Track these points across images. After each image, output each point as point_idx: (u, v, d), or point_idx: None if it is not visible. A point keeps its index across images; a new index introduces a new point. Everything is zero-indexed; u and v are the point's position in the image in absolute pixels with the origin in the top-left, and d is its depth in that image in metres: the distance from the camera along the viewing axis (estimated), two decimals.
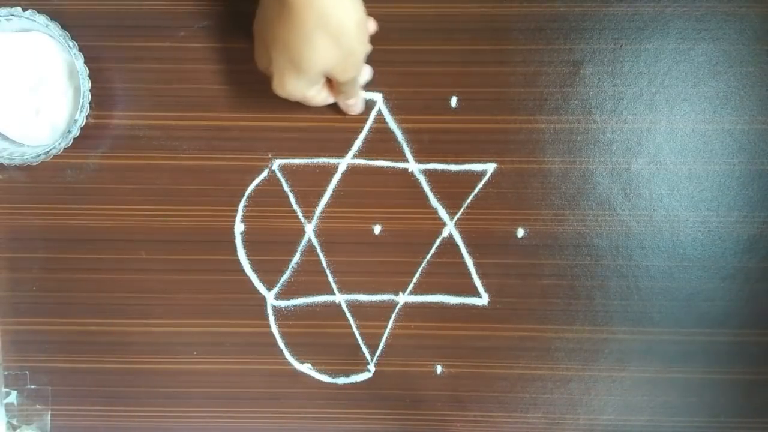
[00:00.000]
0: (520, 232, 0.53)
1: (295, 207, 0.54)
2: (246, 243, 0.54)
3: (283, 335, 0.54)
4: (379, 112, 0.53)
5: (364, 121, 0.53)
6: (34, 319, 0.55)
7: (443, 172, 0.53)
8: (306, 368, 0.55)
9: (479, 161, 0.53)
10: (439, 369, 0.54)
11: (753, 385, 0.54)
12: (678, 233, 0.53)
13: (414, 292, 0.54)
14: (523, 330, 0.54)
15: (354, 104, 0.51)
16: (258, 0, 0.46)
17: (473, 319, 0.54)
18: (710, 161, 0.52)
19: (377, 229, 0.54)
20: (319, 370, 0.55)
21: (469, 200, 0.53)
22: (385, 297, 0.54)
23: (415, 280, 0.54)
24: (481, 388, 0.54)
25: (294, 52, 0.43)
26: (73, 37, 0.50)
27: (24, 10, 0.49)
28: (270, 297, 0.54)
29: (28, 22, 0.50)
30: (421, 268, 0.54)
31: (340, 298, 0.54)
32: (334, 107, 0.52)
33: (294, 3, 0.41)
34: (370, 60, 0.48)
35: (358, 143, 0.53)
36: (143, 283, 0.54)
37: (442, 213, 0.53)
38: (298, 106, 0.49)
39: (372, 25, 0.48)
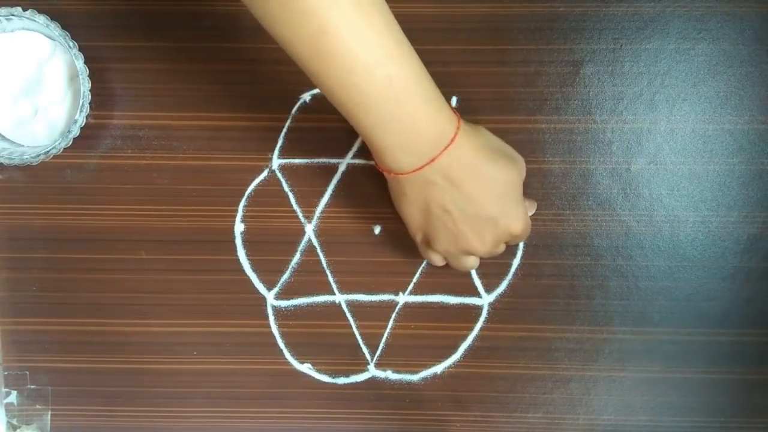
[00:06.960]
0: None
1: (295, 207, 0.54)
2: (246, 243, 0.54)
3: (283, 335, 0.54)
4: None
5: None
6: (34, 319, 0.55)
7: None
8: (306, 368, 0.55)
9: None
10: (439, 368, 0.54)
11: (753, 385, 0.54)
12: (678, 233, 0.53)
13: (414, 292, 0.54)
14: (523, 330, 0.54)
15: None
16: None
17: (473, 319, 0.54)
18: (710, 161, 0.52)
19: (377, 229, 0.54)
20: (319, 370, 0.55)
21: None
22: (385, 297, 0.54)
23: (415, 280, 0.54)
24: (481, 388, 0.54)
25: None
26: (73, 37, 0.50)
27: (24, 10, 0.49)
28: (270, 297, 0.54)
29: (28, 22, 0.50)
30: (421, 268, 0.54)
31: (340, 298, 0.54)
32: (333, 108, 0.52)
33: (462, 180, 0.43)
34: None
35: (358, 143, 0.53)
36: (143, 283, 0.54)
37: None
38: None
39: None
